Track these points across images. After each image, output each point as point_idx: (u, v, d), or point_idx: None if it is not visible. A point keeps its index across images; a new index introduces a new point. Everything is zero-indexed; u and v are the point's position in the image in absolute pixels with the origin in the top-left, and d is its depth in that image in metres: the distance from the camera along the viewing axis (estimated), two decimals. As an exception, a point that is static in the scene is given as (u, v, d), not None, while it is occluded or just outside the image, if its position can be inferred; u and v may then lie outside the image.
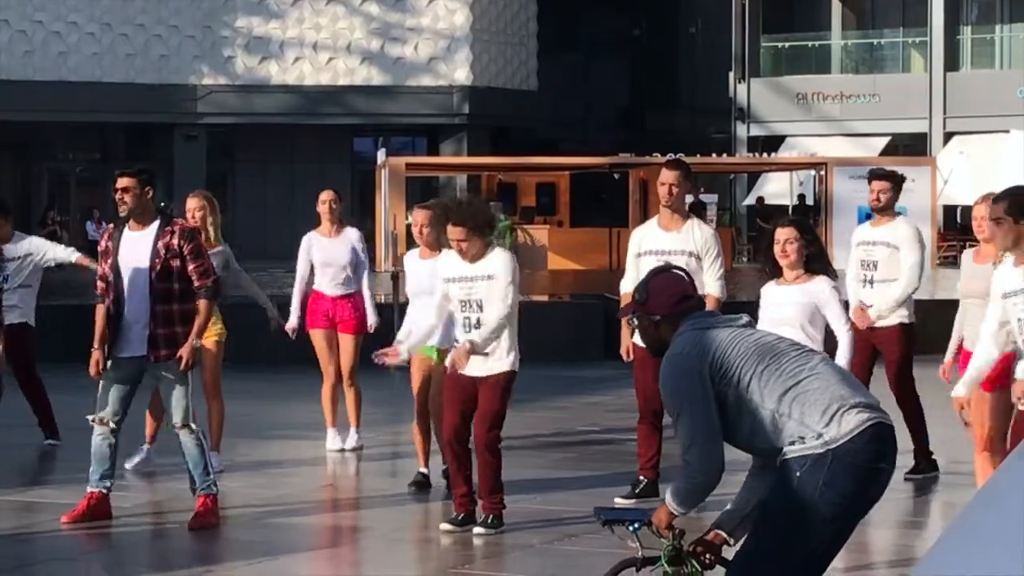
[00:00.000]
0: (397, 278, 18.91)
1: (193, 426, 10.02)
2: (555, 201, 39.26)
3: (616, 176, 38.43)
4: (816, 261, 9.51)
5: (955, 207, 40.56)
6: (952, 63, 44.35)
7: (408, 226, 35.58)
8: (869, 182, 11.57)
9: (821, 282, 9.45)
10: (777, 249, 9.45)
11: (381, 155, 37.92)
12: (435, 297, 10.01)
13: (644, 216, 37.35)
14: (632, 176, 37.66)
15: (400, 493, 11.25)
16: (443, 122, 45.48)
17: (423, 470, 11.14)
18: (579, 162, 38.48)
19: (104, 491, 10.18)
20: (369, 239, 42.32)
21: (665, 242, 10.35)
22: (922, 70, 44.94)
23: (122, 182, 10.00)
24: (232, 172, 45.95)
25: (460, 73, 45.25)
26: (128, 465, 11.78)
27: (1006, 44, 45.74)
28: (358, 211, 41.12)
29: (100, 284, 9.98)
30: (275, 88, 44.80)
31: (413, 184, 38.82)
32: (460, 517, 9.74)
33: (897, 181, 11.55)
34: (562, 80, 47.06)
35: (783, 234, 9.45)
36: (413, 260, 11.21)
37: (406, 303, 11.57)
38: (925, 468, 11.47)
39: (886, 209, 11.47)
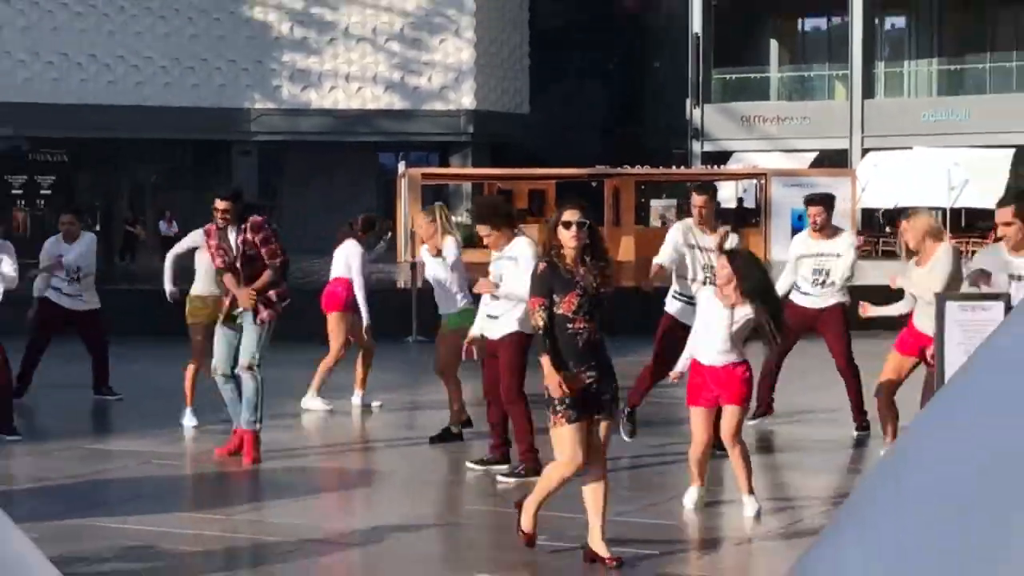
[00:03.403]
0: (415, 267, 18.98)
1: (256, 370, 10.22)
2: (544, 204, 39.24)
3: (593, 184, 38.44)
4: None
5: (871, 210, 40.66)
6: (868, 92, 44.44)
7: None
8: (808, 205, 11.53)
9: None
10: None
11: (401, 167, 37.93)
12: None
13: (616, 217, 37.48)
14: (607, 184, 37.70)
15: (420, 442, 11.29)
16: (452, 140, 45.58)
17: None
18: (563, 172, 38.50)
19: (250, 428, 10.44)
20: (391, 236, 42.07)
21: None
22: (844, 97, 45.03)
23: (222, 205, 10.32)
24: (280, 182, 46.00)
25: (466, 99, 45.33)
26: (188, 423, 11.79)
27: (913, 76, 45.83)
28: (382, 213, 41.05)
29: (219, 261, 10.42)
30: (315, 112, 44.88)
31: (427, 191, 38.86)
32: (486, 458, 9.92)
33: (830, 203, 11.52)
34: (550, 105, 47.13)
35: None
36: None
37: (423, 286, 11.74)
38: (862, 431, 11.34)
39: (824, 228, 11.32)
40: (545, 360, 7.16)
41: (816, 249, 11.31)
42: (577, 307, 7.13)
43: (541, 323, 7.17)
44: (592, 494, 7.28)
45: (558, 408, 7.13)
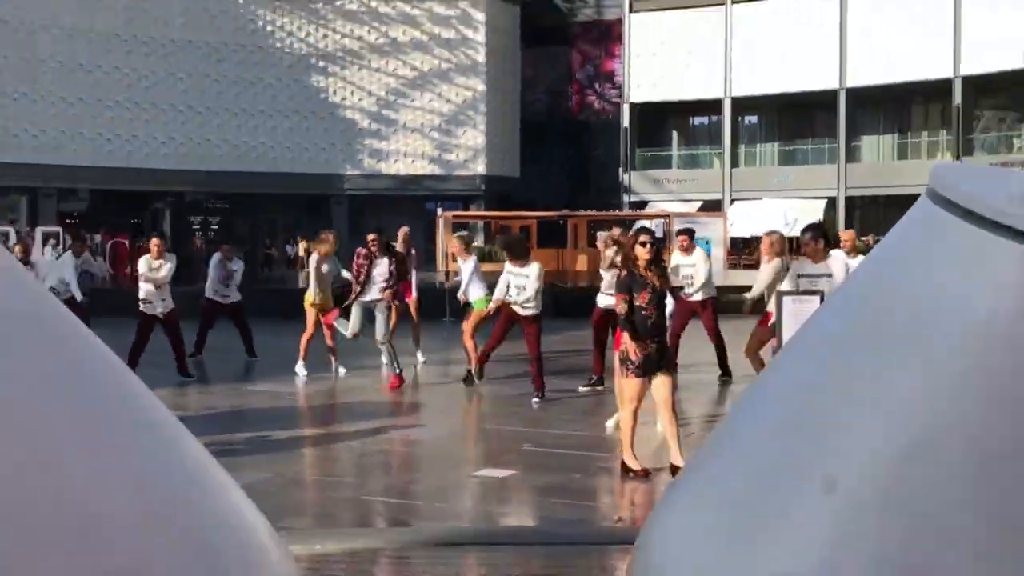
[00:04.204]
0: (448, 274, 19.02)
1: (381, 340, 10.68)
2: (529, 235, 39.26)
3: (561, 222, 38.44)
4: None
5: (737, 238, 40.69)
6: (735, 163, 44.48)
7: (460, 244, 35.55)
8: (677, 235, 11.84)
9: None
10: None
11: (439, 211, 38.04)
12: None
13: (575, 243, 37.47)
14: (569, 222, 37.70)
15: (451, 385, 11.31)
16: (472, 193, 45.59)
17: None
18: (542, 214, 38.52)
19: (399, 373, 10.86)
20: (431, 256, 41.72)
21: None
22: (719, 167, 45.11)
23: (371, 236, 11.03)
24: (363, 225, 45.81)
25: (480, 168, 45.34)
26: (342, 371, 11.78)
27: (764, 154, 45.88)
28: (425, 241, 41.24)
29: (356, 274, 10.93)
30: (385, 176, 44.86)
31: (457, 227, 38.90)
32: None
33: (691, 233, 11.83)
34: (532, 172, 47.13)
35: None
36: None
37: (453, 287, 11.98)
38: (726, 377, 11.35)
39: (688, 249, 11.57)
40: (627, 336, 6.86)
41: (682, 263, 11.44)
42: (649, 300, 6.88)
43: (622, 311, 6.86)
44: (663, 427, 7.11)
45: (629, 366, 6.80)
